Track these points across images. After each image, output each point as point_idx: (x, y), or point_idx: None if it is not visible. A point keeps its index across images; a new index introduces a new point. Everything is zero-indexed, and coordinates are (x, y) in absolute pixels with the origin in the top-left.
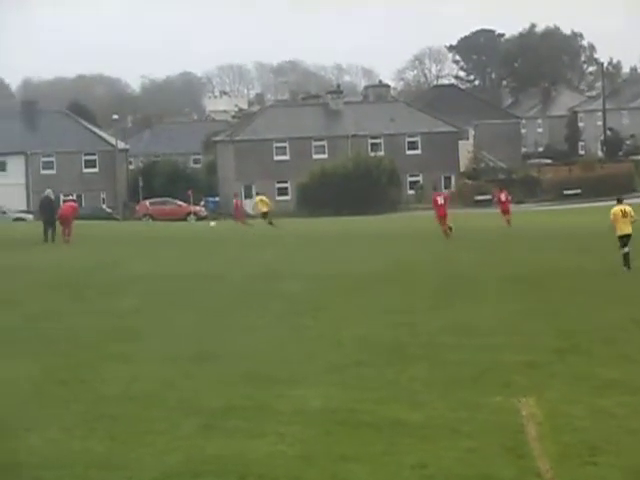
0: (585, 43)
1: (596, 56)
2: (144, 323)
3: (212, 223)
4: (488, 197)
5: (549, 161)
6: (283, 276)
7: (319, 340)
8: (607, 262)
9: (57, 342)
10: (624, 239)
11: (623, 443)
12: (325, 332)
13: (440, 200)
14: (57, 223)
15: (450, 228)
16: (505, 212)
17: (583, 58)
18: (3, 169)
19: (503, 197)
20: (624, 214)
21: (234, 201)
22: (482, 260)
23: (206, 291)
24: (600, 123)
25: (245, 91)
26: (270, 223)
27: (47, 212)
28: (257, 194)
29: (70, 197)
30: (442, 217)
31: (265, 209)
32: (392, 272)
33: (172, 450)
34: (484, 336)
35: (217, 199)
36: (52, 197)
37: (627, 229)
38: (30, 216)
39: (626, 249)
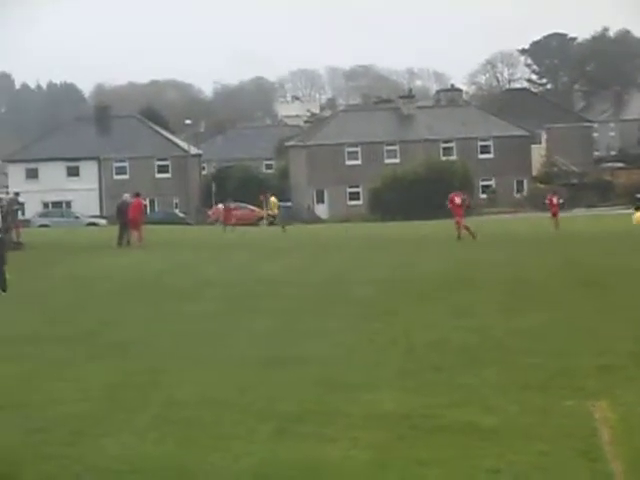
0: None
1: None
2: (217, 327)
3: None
4: (560, 201)
5: (622, 165)
6: (353, 280)
7: (390, 345)
8: None
9: (132, 346)
10: None
11: None
12: (396, 336)
13: (458, 200)
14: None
15: (467, 229)
16: (554, 215)
17: None
18: (76, 174)
19: (555, 200)
20: None
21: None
22: (552, 263)
23: (278, 296)
24: None
25: (317, 96)
26: (273, 224)
27: (124, 216)
28: (272, 195)
29: (136, 195)
30: (460, 217)
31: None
32: (461, 276)
33: (246, 455)
34: (555, 340)
35: (289, 204)
36: (129, 202)
37: None
38: (103, 221)
39: None
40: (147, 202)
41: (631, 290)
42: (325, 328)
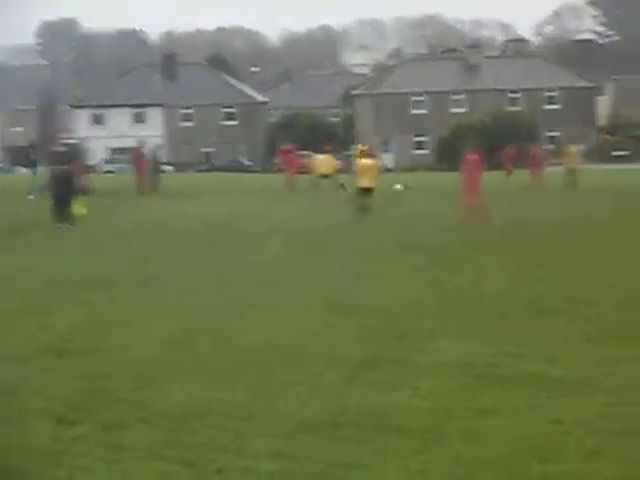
0: None
1: None
2: (285, 274)
3: (398, 186)
4: (627, 153)
5: None
6: (419, 229)
7: (457, 293)
8: None
9: (199, 293)
10: None
11: None
12: (463, 286)
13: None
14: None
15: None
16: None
17: None
18: (142, 121)
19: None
20: None
21: None
22: (623, 218)
23: (345, 242)
24: None
25: (383, 45)
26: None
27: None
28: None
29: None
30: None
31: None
32: (531, 226)
33: (312, 402)
34: (627, 292)
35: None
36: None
37: None
38: (170, 168)
39: None
40: (214, 149)
41: None
42: (392, 275)
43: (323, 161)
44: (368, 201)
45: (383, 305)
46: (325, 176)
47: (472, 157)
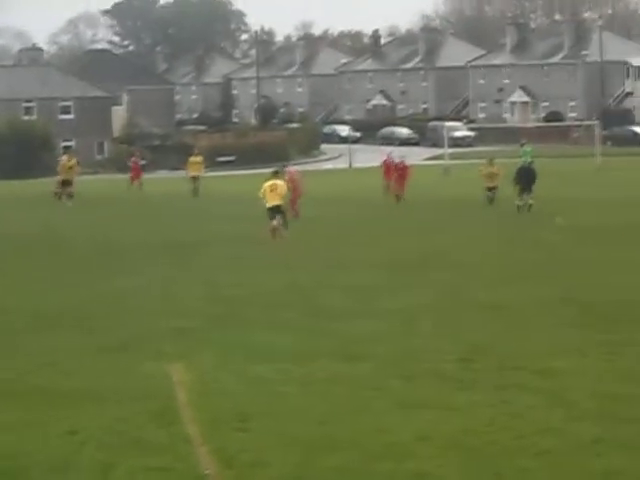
0: (235, 9)
1: (248, 22)
2: None
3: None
4: (144, 162)
5: (203, 128)
6: None
7: None
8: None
9: None
10: (273, 210)
11: (274, 408)
12: None
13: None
14: None
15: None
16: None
17: (235, 26)
18: None
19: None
20: (272, 188)
21: None
22: (140, 227)
23: None
24: (254, 91)
25: None
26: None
27: None
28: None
29: None
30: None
31: None
32: (43, 236)
33: None
34: (137, 302)
35: None
36: None
37: (275, 201)
38: None
39: (275, 222)
40: None
41: (216, 253)
42: None
43: None
44: None
45: None
46: None
47: None
